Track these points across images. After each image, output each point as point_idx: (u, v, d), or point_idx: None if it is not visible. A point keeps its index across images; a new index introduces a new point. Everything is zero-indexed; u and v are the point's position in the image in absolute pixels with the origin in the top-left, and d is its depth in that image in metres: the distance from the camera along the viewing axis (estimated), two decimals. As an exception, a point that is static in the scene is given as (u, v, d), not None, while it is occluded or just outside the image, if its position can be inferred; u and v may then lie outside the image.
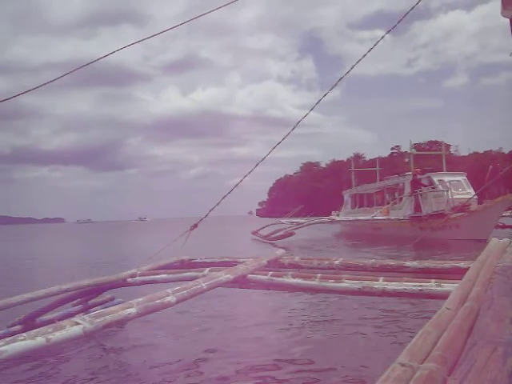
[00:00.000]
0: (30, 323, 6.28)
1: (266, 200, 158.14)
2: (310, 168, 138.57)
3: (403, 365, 1.82)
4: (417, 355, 1.92)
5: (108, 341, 6.56)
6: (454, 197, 23.53)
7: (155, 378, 5.13)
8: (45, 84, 6.99)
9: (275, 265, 6.25)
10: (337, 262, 5.98)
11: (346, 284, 5.09)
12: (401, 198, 28.62)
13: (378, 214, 29.40)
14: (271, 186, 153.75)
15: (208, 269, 5.97)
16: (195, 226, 8.07)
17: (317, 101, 8.33)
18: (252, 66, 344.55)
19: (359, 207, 36.32)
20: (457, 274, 4.71)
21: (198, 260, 6.98)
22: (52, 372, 5.46)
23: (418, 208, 25.08)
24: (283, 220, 38.01)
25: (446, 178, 25.79)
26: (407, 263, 5.61)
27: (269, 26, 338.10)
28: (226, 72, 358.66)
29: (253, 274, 5.63)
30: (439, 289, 4.62)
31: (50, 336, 3.39)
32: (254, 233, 33.74)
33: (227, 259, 6.70)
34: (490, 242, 5.77)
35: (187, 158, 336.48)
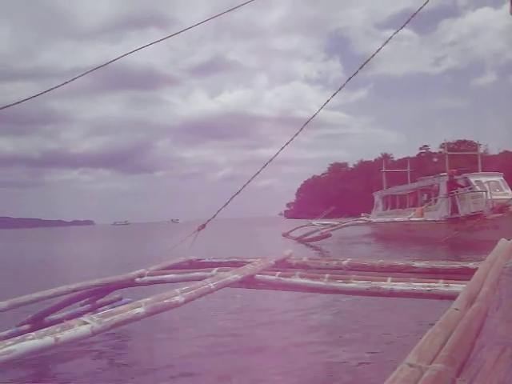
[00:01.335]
0: (38, 322, 6.31)
1: (293, 201, 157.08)
2: (337, 169, 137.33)
3: (411, 365, 1.81)
4: (425, 356, 1.91)
5: (119, 339, 6.58)
6: (493, 197, 23.22)
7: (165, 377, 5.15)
8: (51, 89, 7.01)
9: (283, 265, 6.23)
10: (345, 262, 5.96)
11: (354, 284, 5.07)
12: (435, 200, 28.17)
13: (412, 216, 28.93)
14: (299, 187, 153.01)
15: (216, 269, 5.97)
16: (203, 226, 8.05)
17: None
18: (279, 67, 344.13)
19: (391, 208, 35.44)
20: (465, 274, 4.69)
21: (206, 260, 6.98)
22: (61, 370, 5.49)
23: (454, 209, 24.57)
24: (314, 222, 37.76)
25: (484, 179, 25.22)
26: (415, 263, 5.58)
27: (295, 27, 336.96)
28: (252, 74, 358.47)
29: (261, 274, 5.63)
30: (447, 289, 4.60)
31: (59, 335, 3.40)
32: (285, 235, 33.66)
33: (235, 259, 6.69)
34: (499, 242, 5.74)
35: (215, 160, 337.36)
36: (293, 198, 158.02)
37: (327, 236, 27.07)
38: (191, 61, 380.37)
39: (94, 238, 60.33)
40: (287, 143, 8.37)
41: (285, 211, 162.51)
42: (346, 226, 30.27)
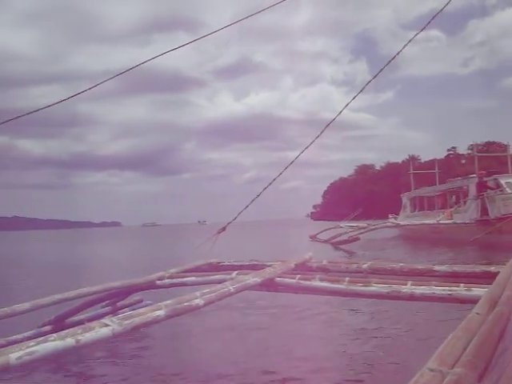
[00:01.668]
0: (59, 324, 6.37)
1: (320, 203, 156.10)
2: (364, 171, 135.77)
3: (432, 370, 1.80)
4: (446, 360, 1.89)
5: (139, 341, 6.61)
6: None
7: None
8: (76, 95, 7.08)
9: (303, 268, 6.22)
10: (365, 265, 5.94)
11: (375, 288, 5.05)
12: (465, 202, 27.75)
13: (441, 218, 28.54)
14: (325, 189, 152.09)
15: (236, 272, 5.98)
16: (223, 229, 8.05)
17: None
18: (305, 69, 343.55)
19: (419, 210, 34.99)
20: (487, 278, 4.65)
21: (226, 263, 6.98)
22: (84, 371, 5.53)
23: (484, 211, 24.12)
24: (342, 224, 37.42)
25: None
26: (436, 267, 5.55)
27: (321, 29, 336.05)
28: (278, 76, 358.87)
29: (280, 277, 5.62)
30: (469, 293, 4.56)
31: (80, 337, 3.43)
32: (312, 237, 33.42)
33: (255, 262, 6.69)
34: None
35: (241, 163, 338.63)
36: (319, 200, 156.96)
37: (356, 240, 26.85)
38: (217, 63, 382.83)
39: (125, 239, 60.67)
40: (308, 145, 8.33)
41: (311, 213, 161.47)
42: (374, 228, 29.95)
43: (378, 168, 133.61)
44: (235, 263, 6.86)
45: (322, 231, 33.64)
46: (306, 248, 25.43)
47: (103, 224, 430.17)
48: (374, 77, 8.09)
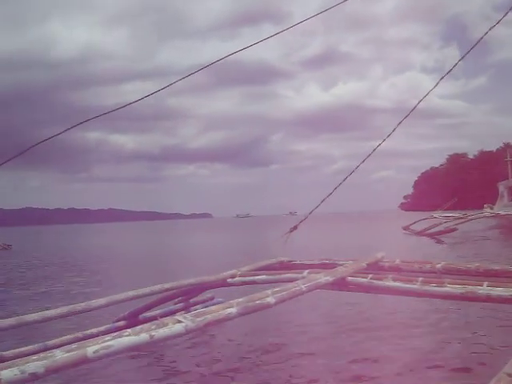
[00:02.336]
0: (133, 319, 6.53)
1: (410, 194, 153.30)
2: (456, 160, 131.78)
3: (510, 375, 1.73)
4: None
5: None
6: None
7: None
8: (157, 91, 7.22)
9: (375, 268, 6.13)
10: (438, 265, 5.81)
11: (449, 288, 4.92)
12: None
13: None
14: (416, 179, 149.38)
15: (307, 271, 5.94)
16: (295, 228, 8.06)
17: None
18: (394, 57, 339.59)
19: None
20: None
21: (297, 262, 6.97)
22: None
23: None
24: (435, 214, 36.58)
25: None
26: (514, 268, 5.36)
27: (410, 15, 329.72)
28: (367, 65, 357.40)
29: (352, 276, 5.56)
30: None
31: (154, 333, 3.49)
32: (406, 228, 32.77)
33: (326, 261, 6.65)
34: None
35: (329, 153, 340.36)
36: (410, 191, 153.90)
37: (453, 230, 26.09)
38: (304, 54, 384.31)
39: (224, 230, 61.56)
40: (391, 133, 8.19)
41: (401, 203, 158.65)
42: (471, 219, 28.94)
43: (470, 157, 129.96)
44: (306, 262, 6.84)
45: (415, 222, 32.87)
46: (399, 241, 24.88)
47: (193, 216, 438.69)
48: (461, 59, 7.98)
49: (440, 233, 26.53)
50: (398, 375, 5.10)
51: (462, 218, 29.61)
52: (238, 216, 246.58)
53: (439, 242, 24.01)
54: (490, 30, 7.66)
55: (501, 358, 4.75)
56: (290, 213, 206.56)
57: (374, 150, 8.19)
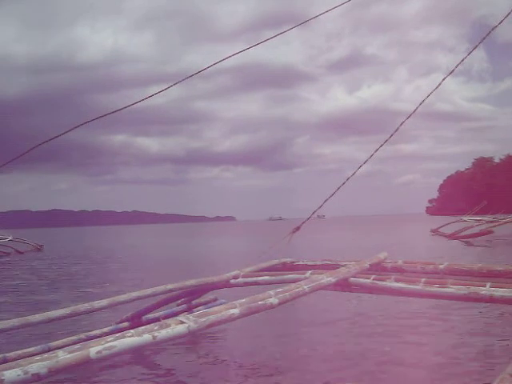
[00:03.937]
0: (136, 320, 6.54)
1: (436, 198, 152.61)
2: (482, 163, 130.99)
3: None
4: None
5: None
6: None
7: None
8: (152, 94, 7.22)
9: (378, 268, 6.13)
10: (441, 266, 5.80)
11: (452, 289, 4.92)
12: None
13: None
14: (441, 183, 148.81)
15: (310, 271, 5.94)
16: (297, 228, 8.03)
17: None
18: (419, 60, 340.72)
19: None
20: None
21: (300, 262, 6.96)
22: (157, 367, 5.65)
23: None
24: (465, 217, 36.44)
25: None
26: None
27: (436, 17, 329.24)
28: (392, 67, 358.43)
29: (355, 277, 5.56)
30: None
31: (156, 333, 3.50)
32: (434, 231, 32.69)
33: (328, 262, 6.64)
34: None
35: (354, 157, 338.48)
36: (435, 195, 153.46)
37: (489, 232, 25.70)
38: (329, 57, 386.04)
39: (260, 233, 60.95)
40: (392, 135, 8.11)
41: (426, 207, 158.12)
42: (507, 222, 28.45)
43: (496, 160, 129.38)
44: (308, 263, 6.82)
45: (444, 225, 32.87)
46: (429, 245, 24.56)
47: (217, 218, 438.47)
48: (469, 53, 7.92)
49: (474, 235, 26.11)
50: (399, 375, 5.10)
51: (493, 221, 29.24)
52: (271, 219, 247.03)
53: (470, 244, 23.64)
54: (492, 29, 7.65)
55: (504, 359, 4.75)
56: (318, 216, 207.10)
57: (376, 151, 8.19)
